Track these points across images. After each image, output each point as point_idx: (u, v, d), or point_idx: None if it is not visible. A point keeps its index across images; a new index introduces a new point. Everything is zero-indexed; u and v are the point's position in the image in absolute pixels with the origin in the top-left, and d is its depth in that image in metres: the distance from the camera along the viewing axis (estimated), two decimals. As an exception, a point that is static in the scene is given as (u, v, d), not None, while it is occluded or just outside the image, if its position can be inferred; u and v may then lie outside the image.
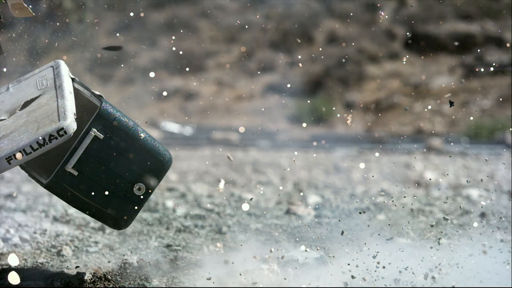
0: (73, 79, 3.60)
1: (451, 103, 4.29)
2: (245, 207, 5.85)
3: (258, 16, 15.98)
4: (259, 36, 15.90)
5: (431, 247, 4.24)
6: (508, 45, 14.96)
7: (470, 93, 14.19)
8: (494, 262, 4.02)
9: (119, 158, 3.47)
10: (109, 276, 3.91)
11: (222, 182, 7.35)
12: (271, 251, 4.27)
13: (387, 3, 16.21)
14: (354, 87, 15.06)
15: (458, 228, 5.17)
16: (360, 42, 15.68)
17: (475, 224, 5.22)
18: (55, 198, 5.67)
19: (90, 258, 4.42)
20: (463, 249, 4.26)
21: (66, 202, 3.49)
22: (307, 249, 4.20)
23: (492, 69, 14.35)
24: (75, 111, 3.38)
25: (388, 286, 3.79)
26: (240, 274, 3.91)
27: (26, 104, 3.52)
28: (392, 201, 6.25)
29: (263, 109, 13.92)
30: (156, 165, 3.53)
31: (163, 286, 3.91)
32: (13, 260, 3.85)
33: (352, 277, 3.84)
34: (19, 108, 3.51)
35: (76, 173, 3.41)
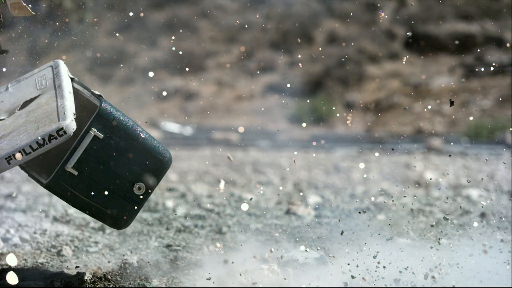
0: (72, 79, 3.60)
1: (452, 103, 4.29)
2: (245, 207, 5.84)
3: (257, 16, 15.98)
4: (259, 36, 15.90)
5: (431, 247, 4.24)
6: (508, 45, 14.96)
7: (470, 93, 14.19)
8: (494, 262, 4.01)
9: (119, 157, 3.47)
10: (109, 276, 3.91)
11: (222, 183, 7.35)
12: (271, 251, 4.27)
13: (387, 3, 16.21)
14: (354, 87, 15.06)
15: (458, 228, 5.17)
16: (360, 42, 15.68)
17: (475, 224, 5.22)
18: (55, 198, 5.67)
19: (90, 258, 4.41)
20: (463, 249, 4.26)
21: (66, 202, 3.49)
22: (307, 249, 4.20)
23: (492, 69, 14.35)
24: (74, 111, 3.38)
25: (388, 286, 3.79)
26: (240, 274, 3.91)
27: (26, 104, 3.52)
28: (393, 201, 6.25)
29: (263, 109, 13.92)
30: (156, 164, 3.53)
31: (163, 286, 3.91)
32: (11, 260, 3.85)
33: (352, 277, 3.84)
34: (18, 108, 3.51)
35: (76, 173, 3.41)
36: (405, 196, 6.52)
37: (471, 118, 13.65)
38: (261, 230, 5.21)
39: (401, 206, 5.92)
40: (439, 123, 13.60)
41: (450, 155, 9.75)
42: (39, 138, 3.28)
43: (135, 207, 3.54)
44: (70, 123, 3.30)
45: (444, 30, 15.68)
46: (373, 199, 6.41)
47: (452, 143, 11.69)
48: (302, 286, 3.80)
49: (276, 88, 14.92)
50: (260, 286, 3.82)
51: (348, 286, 3.78)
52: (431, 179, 7.58)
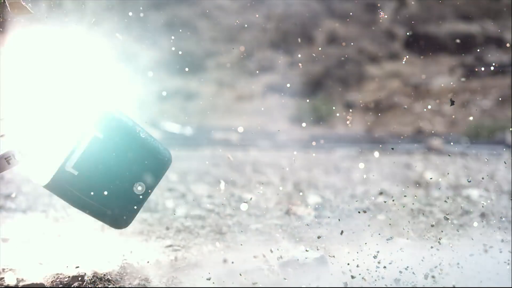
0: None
1: (452, 102, 4.29)
2: (244, 207, 5.84)
3: (257, 16, 15.98)
4: (259, 36, 15.89)
5: (431, 247, 4.24)
6: (508, 45, 14.96)
7: (470, 93, 14.19)
8: (494, 262, 4.02)
9: (118, 157, 3.46)
10: (109, 276, 3.91)
11: (223, 184, 7.35)
12: (271, 251, 4.27)
13: (387, 3, 16.21)
14: (354, 87, 15.05)
15: (459, 228, 5.17)
16: (360, 42, 15.68)
17: (475, 224, 5.22)
18: (55, 198, 5.67)
19: (90, 258, 4.41)
20: (463, 249, 4.26)
21: (66, 202, 3.49)
22: (307, 249, 4.20)
23: (492, 68, 14.35)
24: (75, 111, 3.38)
25: (388, 286, 3.79)
26: (240, 274, 3.90)
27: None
28: (393, 200, 6.24)
29: (262, 109, 13.92)
30: (156, 164, 3.53)
31: (163, 286, 3.91)
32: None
33: (352, 277, 3.84)
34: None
35: (76, 173, 3.41)
36: (405, 196, 6.52)
37: (471, 118, 13.65)
38: (261, 230, 5.21)
39: (401, 206, 5.91)
40: (439, 123, 13.59)
41: (449, 155, 9.75)
42: (39, 137, 3.28)
43: (135, 207, 3.54)
44: (70, 124, 3.31)
45: (444, 30, 15.68)
46: (373, 199, 6.41)
47: (452, 143, 11.69)
48: (302, 286, 3.80)
49: (276, 88, 14.92)
50: (260, 286, 3.81)
51: (348, 286, 3.78)
52: (431, 178, 7.58)
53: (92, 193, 3.45)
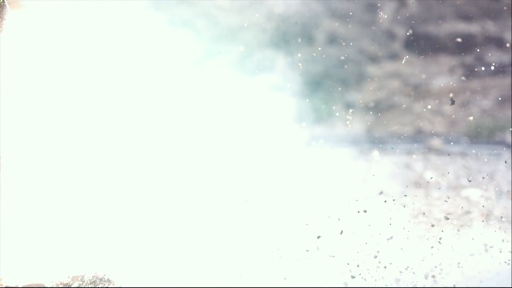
0: None
1: (452, 101, 4.29)
2: (242, 207, 5.85)
3: (257, 16, 15.98)
4: (259, 36, 15.90)
5: (431, 247, 4.24)
6: (508, 45, 14.97)
7: (470, 93, 14.19)
8: (495, 262, 4.01)
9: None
10: (109, 276, 3.91)
11: (223, 186, 7.34)
12: (271, 251, 4.27)
13: (387, 3, 16.22)
14: (354, 87, 15.06)
15: (459, 228, 5.16)
16: (360, 42, 15.68)
17: (476, 224, 5.22)
18: (55, 198, 5.66)
19: (90, 258, 4.41)
20: (463, 249, 4.26)
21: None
22: (307, 249, 4.20)
23: (492, 68, 14.36)
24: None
25: (388, 286, 3.78)
26: (241, 275, 3.90)
27: None
28: (393, 200, 6.24)
29: (261, 108, 13.90)
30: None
31: (163, 286, 3.91)
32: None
33: (352, 277, 3.84)
34: None
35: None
36: (405, 195, 6.52)
37: (471, 118, 13.65)
38: (262, 230, 5.21)
39: (401, 206, 5.91)
40: (439, 123, 13.60)
41: (449, 154, 9.75)
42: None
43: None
44: None
45: (444, 30, 15.68)
46: (373, 199, 6.41)
47: (452, 143, 11.69)
48: (302, 286, 3.79)
49: (276, 88, 14.90)
50: (260, 286, 3.81)
51: (348, 286, 3.78)
52: (432, 178, 7.58)
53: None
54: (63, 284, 3.78)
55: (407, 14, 15.97)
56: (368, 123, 13.53)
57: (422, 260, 4.01)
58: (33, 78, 3.69)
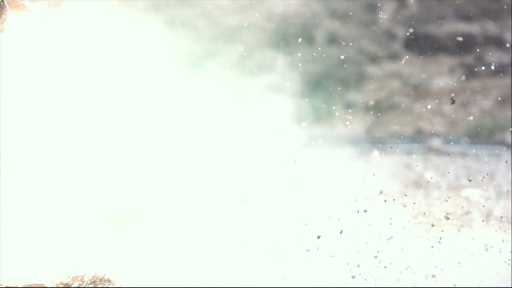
0: None
1: (453, 101, 4.29)
2: (242, 207, 5.85)
3: (257, 15, 15.98)
4: (259, 36, 15.90)
5: (432, 247, 4.24)
6: (508, 45, 14.96)
7: (470, 93, 14.19)
8: (495, 262, 4.01)
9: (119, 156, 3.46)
10: (108, 277, 3.90)
11: (223, 185, 7.34)
12: (271, 251, 4.27)
13: (387, 3, 16.21)
14: (354, 87, 15.05)
15: (459, 228, 5.16)
16: (360, 42, 15.68)
17: (475, 224, 5.22)
18: (55, 198, 5.66)
19: (90, 258, 4.41)
20: (463, 249, 4.26)
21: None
22: (307, 249, 4.20)
23: (493, 67, 14.36)
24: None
25: (389, 286, 3.78)
26: (241, 275, 3.90)
27: None
28: (394, 200, 6.24)
29: (262, 108, 13.90)
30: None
31: (163, 286, 3.91)
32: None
33: (352, 277, 3.84)
34: None
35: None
36: (405, 195, 6.52)
37: (471, 118, 13.65)
38: (262, 230, 5.20)
39: (401, 206, 5.91)
40: (439, 123, 13.59)
41: (448, 154, 9.75)
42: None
43: (135, 206, 3.54)
44: None
45: (444, 30, 15.68)
46: (373, 199, 6.40)
47: (452, 143, 11.69)
48: (302, 286, 3.79)
49: (276, 88, 14.91)
50: (261, 286, 3.81)
51: (348, 286, 3.77)
52: (432, 178, 7.58)
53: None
54: (63, 284, 3.78)
55: (407, 14, 15.96)
56: (368, 123, 13.53)
57: (422, 260, 4.01)
58: (32, 78, 3.69)
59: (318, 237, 4.59)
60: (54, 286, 3.76)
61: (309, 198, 6.56)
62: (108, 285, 3.82)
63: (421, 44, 15.38)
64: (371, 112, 14.15)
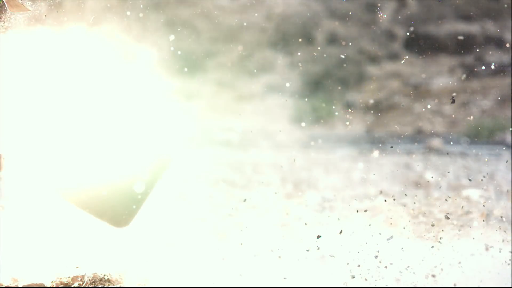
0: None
1: (453, 100, 4.29)
2: (242, 207, 5.85)
3: (256, 15, 15.97)
4: (259, 36, 15.89)
5: (432, 247, 4.24)
6: (508, 45, 14.96)
7: (470, 93, 14.18)
8: (495, 262, 4.01)
9: (119, 156, 3.46)
10: (109, 277, 3.90)
11: (223, 184, 7.35)
12: (271, 251, 4.26)
13: (387, 3, 16.21)
14: (354, 87, 15.05)
15: (459, 228, 5.16)
16: (360, 42, 15.68)
17: (475, 224, 5.22)
18: (55, 198, 5.65)
19: (90, 258, 4.41)
20: (464, 249, 4.25)
21: (67, 201, 3.48)
22: (307, 249, 4.19)
23: (493, 67, 14.36)
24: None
25: (389, 286, 3.78)
26: (240, 275, 3.90)
27: None
28: (394, 199, 6.24)
29: (261, 108, 13.91)
30: (156, 163, 3.53)
31: (163, 286, 3.91)
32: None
33: (352, 277, 3.83)
34: None
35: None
36: (406, 195, 6.52)
37: (471, 118, 13.65)
38: (261, 230, 5.20)
39: (401, 206, 5.90)
40: (439, 123, 13.59)
41: (447, 153, 9.75)
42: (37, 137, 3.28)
43: (135, 206, 3.54)
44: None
45: (444, 30, 15.68)
46: (373, 199, 6.40)
47: (452, 143, 11.68)
48: (302, 286, 3.79)
49: (276, 88, 14.90)
50: (261, 286, 3.81)
51: (348, 286, 3.77)
52: (432, 177, 7.58)
53: (92, 193, 3.45)
54: (63, 284, 3.77)
55: (407, 14, 15.96)
56: (368, 123, 13.53)
57: (423, 260, 4.01)
58: (31, 78, 3.69)
59: (318, 237, 4.58)
60: (54, 286, 3.76)
61: (309, 198, 6.56)
62: (108, 285, 3.81)
63: (421, 44, 15.38)
64: (371, 112, 14.16)
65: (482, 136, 12.19)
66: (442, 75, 14.96)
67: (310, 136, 12.08)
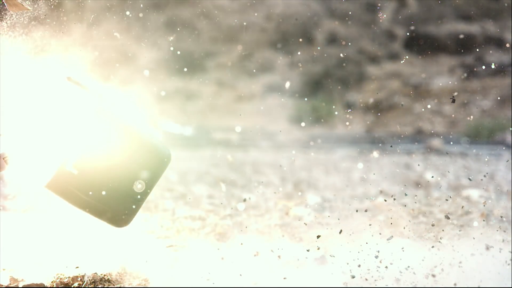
0: (69, 78, 3.59)
1: (453, 100, 4.29)
2: (241, 207, 5.85)
3: (256, 14, 15.97)
4: (259, 36, 15.89)
5: (432, 247, 4.24)
6: (508, 45, 14.96)
7: (470, 93, 14.18)
8: (495, 262, 4.01)
9: (118, 155, 3.46)
10: (109, 277, 3.90)
11: (223, 186, 7.35)
12: (271, 251, 4.26)
13: (387, 3, 16.21)
14: (354, 87, 15.05)
15: (459, 228, 5.16)
16: (360, 42, 15.68)
17: (475, 224, 5.22)
18: (55, 198, 5.66)
19: (90, 258, 4.41)
20: (464, 249, 4.26)
21: (66, 201, 3.48)
22: (307, 249, 4.19)
23: (493, 66, 14.36)
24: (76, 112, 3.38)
25: (389, 286, 3.78)
26: (240, 275, 3.90)
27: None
28: (394, 199, 6.24)
29: (261, 108, 13.92)
30: (155, 162, 3.53)
31: (163, 286, 3.91)
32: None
33: (352, 277, 3.83)
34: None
35: (76, 172, 3.40)
36: (406, 194, 6.52)
37: (471, 118, 13.65)
38: (261, 230, 5.20)
39: (401, 206, 5.91)
40: (439, 123, 13.59)
41: (447, 153, 9.76)
42: (38, 137, 3.28)
43: (134, 206, 3.54)
44: (69, 124, 3.30)
45: (444, 30, 15.67)
46: (373, 199, 6.41)
47: (452, 143, 11.69)
48: (302, 286, 3.79)
49: (276, 88, 14.91)
50: (260, 286, 3.81)
51: (348, 286, 3.77)
52: (433, 177, 7.58)
53: (91, 192, 3.45)
54: (63, 284, 3.77)
55: (407, 14, 15.96)
56: (368, 123, 13.54)
57: (423, 260, 4.01)
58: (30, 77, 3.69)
59: (318, 237, 4.58)
60: (54, 286, 3.76)
61: (309, 198, 6.56)
62: (108, 285, 3.81)
63: (421, 44, 15.40)
64: (371, 112, 14.16)
65: (482, 136, 12.20)
66: (442, 75, 14.97)
67: (310, 136, 12.09)
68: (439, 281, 3.84)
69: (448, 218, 5.30)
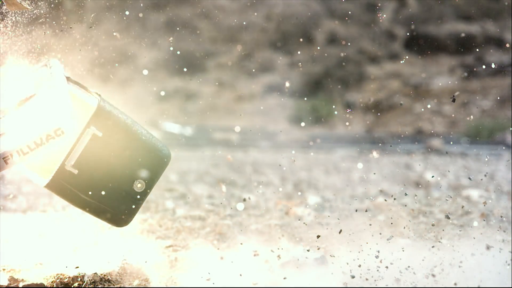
0: (68, 78, 3.59)
1: (453, 99, 4.29)
2: (240, 207, 5.85)
3: (256, 14, 15.97)
4: (259, 36, 15.89)
5: (432, 247, 4.23)
6: (508, 45, 14.96)
7: (470, 93, 14.19)
8: (495, 262, 4.01)
9: (118, 155, 3.46)
10: (109, 277, 3.90)
11: (223, 187, 7.34)
12: (271, 251, 4.26)
13: (387, 3, 16.21)
14: (354, 87, 15.05)
15: (459, 228, 5.16)
16: (360, 42, 15.68)
17: (475, 224, 5.21)
18: (55, 198, 5.66)
19: (90, 258, 4.40)
20: (464, 249, 4.25)
21: (66, 201, 3.48)
22: (307, 249, 4.19)
23: (493, 66, 14.36)
24: (72, 110, 3.37)
25: (389, 286, 3.78)
26: (240, 275, 3.90)
27: (22, 103, 3.51)
28: (394, 199, 6.24)
29: (261, 108, 13.92)
30: (155, 161, 3.53)
31: (163, 286, 3.90)
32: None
33: (352, 277, 3.83)
34: (14, 107, 3.50)
35: (76, 172, 3.40)
36: (406, 194, 6.52)
37: (471, 118, 13.65)
38: (261, 230, 5.20)
39: (401, 206, 5.91)
40: (439, 123, 13.59)
41: (447, 152, 9.76)
42: (37, 137, 3.27)
43: (135, 205, 3.53)
44: (68, 123, 3.29)
45: (444, 30, 15.68)
46: (373, 199, 6.40)
47: (452, 143, 11.69)
48: (302, 286, 3.79)
49: (276, 88, 14.91)
50: (260, 286, 3.81)
51: (348, 286, 3.77)
52: (433, 177, 7.58)
53: (91, 192, 3.44)
54: (63, 284, 3.77)
55: (407, 14, 15.96)
56: (368, 123, 13.54)
57: (423, 260, 4.01)
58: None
59: (318, 236, 4.58)
60: (54, 286, 3.76)
61: (309, 198, 6.56)
62: (108, 285, 3.81)
63: (421, 44, 15.39)
64: (371, 112, 14.16)
65: (482, 136, 12.20)
66: (442, 75, 14.96)
67: (310, 136, 12.09)
68: (439, 281, 3.84)
69: (449, 218, 5.30)
